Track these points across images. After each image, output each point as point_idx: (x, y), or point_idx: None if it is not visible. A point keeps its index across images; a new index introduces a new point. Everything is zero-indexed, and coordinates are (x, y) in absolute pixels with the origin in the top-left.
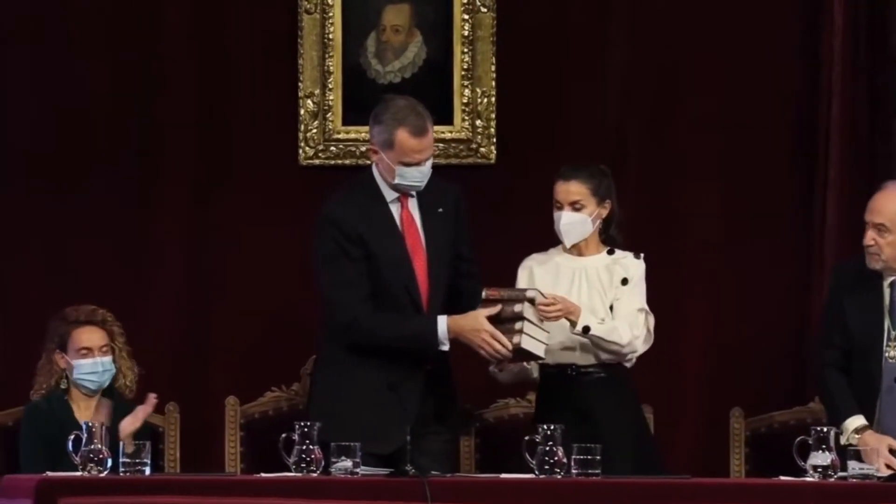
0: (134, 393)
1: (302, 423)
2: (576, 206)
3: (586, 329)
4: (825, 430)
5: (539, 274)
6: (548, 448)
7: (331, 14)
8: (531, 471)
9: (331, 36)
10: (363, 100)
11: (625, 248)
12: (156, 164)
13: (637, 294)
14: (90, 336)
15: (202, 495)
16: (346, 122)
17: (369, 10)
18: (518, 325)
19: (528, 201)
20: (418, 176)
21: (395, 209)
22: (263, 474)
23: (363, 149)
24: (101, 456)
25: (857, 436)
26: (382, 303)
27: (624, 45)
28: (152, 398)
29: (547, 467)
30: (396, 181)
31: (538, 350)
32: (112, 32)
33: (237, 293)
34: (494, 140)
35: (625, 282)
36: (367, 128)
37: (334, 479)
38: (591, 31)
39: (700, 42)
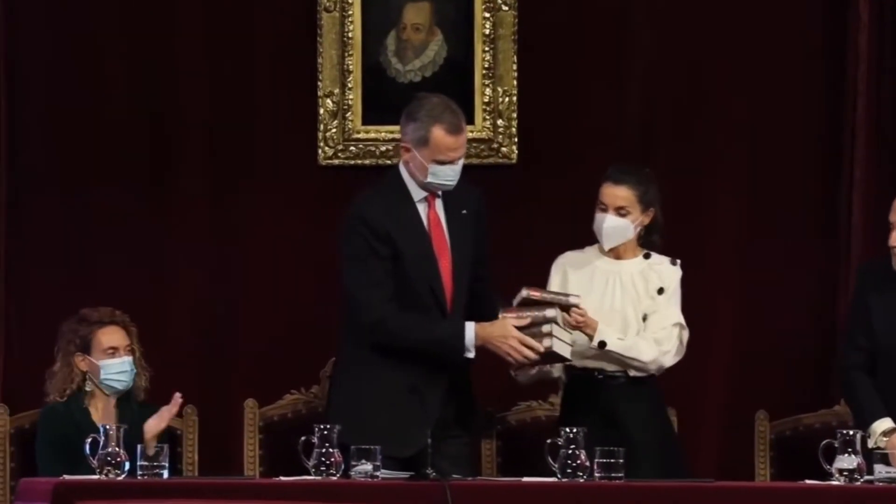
0: (148, 394)
1: (321, 426)
2: (621, 212)
3: (602, 344)
4: (851, 433)
5: (574, 278)
6: (570, 451)
7: (350, 12)
8: (553, 474)
9: (350, 34)
10: (383, 99)
11: (660, 251)
12: (174, 164)
13: (673, 306)
14: (116, 336)
15: (220, 499)
16: (365, 122)
17: (389, 9)
18: (546, 329)
19: (549, 201)
20: (451, 174)
21: (422, 209)
22: (282, 477)
23: (383, 148)
24: (118, 459)
25: (884, 439)
26: (407, 303)
27: (646, 43)
28: (178, 398)
29: (569, 471)
30: (429, 179)
31: (566, 352)
32: (129, 32)
33: (256, 295)
34: (516, 139)
35: (661, 291)
36: (387, 127)
37: (354, 482)
38: (613, 30)
39: (723, 40)
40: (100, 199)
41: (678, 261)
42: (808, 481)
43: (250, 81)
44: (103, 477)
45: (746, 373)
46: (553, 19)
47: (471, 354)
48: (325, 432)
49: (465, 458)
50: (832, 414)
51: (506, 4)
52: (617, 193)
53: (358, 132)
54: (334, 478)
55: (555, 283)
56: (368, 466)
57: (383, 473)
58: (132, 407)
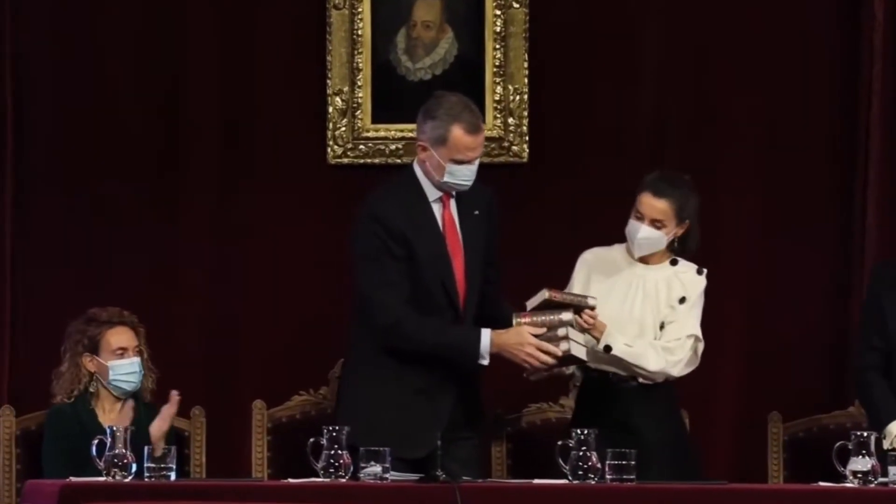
0: (154, 395)
1: (330, 428)
2: (656, 224)
3: (608, 349)
4: (866, 434)
5: (596, 279)
6: (581, 453)
7: (360, 9)
8: (564, 476)
9: (360, 32)
10: (393, 97)
11: (693, 257)
12: (181, 163)
13: (692, 317)
14: (124, 336)
15: (228, 501)
16: (375, 120)
17: (399, 6)
18: (562, 332)
19: (561, 201)
20: (468, 174)
21: (437, 209)
22: (291, 480)
23: (393, 147)
24: (125, 461)
25: None
26: (420, 303)
27: (659, 41)
28: (175, 396)
29: (580, 473)
30: (445, 179)
31: (581, 354)
32: (137, 30)
33: (264, 295)
34: (527, 138)
35: (682, 300)
36: (397, 126)
37: (363, 484)
38: (625, 27)
39: (736, 38)
40: (106, 198)
41: (704, 270)
42: (821, 483)
43: (258, 79)
44: (110, 479)
45: (759, 374)
46: (564, 17)
47: (485, 361)
48: (334, 434)
49: (475, 460)
50: (846, 415)
51: (517, 2)
52: (655, 206)
53: (367, 131)
54: (343, 480)
55: (578, 279)
56: (378, 468)
57: (393, 475)
58: (139, 408)
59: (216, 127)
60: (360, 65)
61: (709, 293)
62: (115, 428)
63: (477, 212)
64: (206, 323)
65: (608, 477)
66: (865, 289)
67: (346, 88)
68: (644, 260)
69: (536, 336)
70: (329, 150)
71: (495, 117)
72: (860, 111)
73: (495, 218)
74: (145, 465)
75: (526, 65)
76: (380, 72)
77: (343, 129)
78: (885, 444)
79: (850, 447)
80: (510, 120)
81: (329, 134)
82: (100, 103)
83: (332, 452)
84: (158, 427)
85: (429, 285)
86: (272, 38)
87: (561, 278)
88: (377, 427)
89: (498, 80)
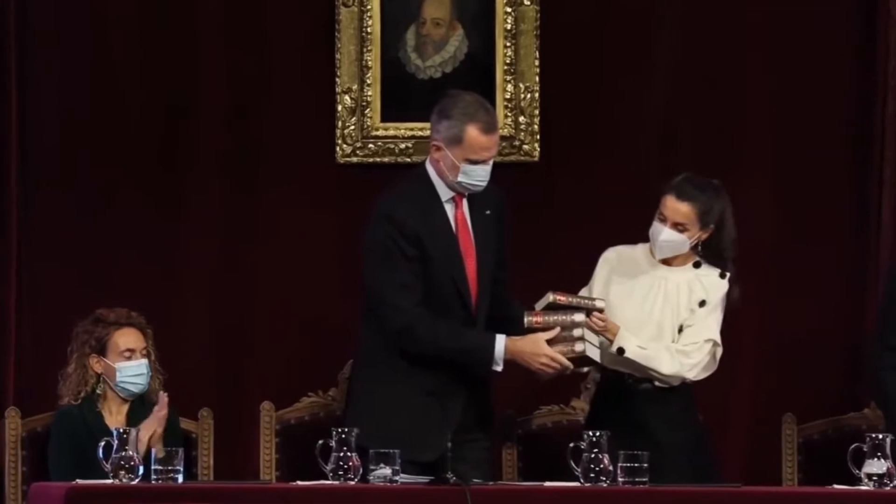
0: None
1: (339, 429)
2: (678, 227)
3: (620, 351)
4: (881, 436)
5: (617, 279)
6: (593, 455)
7: (369, 7)
8: (576, 479)
9: (369, 29)
10: (402, 95)
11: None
12: (189, 163)
13: (711, 322)
14: (132, 338)
15: None
16: (384, 119)
17: (409, 3)
18: (577, 333)
19: (572, 200)
20: (483, 174)
21: (449, 209)
22: (299, 482)
23: (402, 146)
24: (132, 463)
25: None
26: (432, 304)
27: (672, 38)
28: (164, 397)
29: (592, 475)
30: (460, 179)
31: (595, 355)
32: (145, 27)
33: (273, 295)
34: (538, 137)
35: (702, 304)
36: (406, 124)
37: (373, 487)
38: (637, 24)
39: (750, 36)
40: (113, 198)
41: (727, 274)
42: (836, 486)
43: (267, 77)
44: (117, 481)
45: (774, 375)
46: (576, 14)
47: (499, 368)
48: (343, 436)
49: (485, 463)
50: (861, 417)
51: None
52: (678, 209)
53: (377, 129)
54: (352, 482)
55: (600, 278)
56: (387, 471)
57: (402, 478)
58: (146, 410)
59: (224, 126)
60: (370, 63)
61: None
62: (122, 430)
63: (489, 211)
64: (214, 324)
65: (620, 479)
66: (881, 289)
67: (354, 87)
68: (667, 261)
69: (551, 337)
70: (338, 149)
71: (506, 116)
72: (875, 109)
73: (506, 218)
74: (152, 467)
75: (537, 63)
76: (389, 70)
77: (352, 127)
78: None
79: (865, 449)
80: (521, 119)
81: (338, 133)
82: (106, 102)
83: (342, 455)
84: (146, 431)
85: (441, 286)
86: (281, 36)
87: (572, 277)
88: (387, 429)
89: (508, 78)
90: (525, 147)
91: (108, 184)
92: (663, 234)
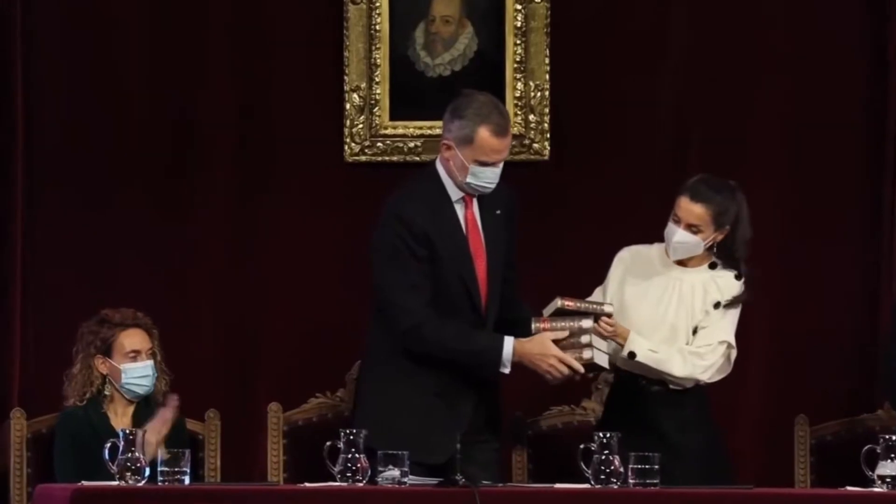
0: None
1: (347, 431)
2: (692, 229)
3: (632, 355)
4: (894, 438)
5: (631, 280)
6: (604, 457)
7: (378, 4)
8: (586, 481)
9: (378, 27)
10: (411, 94)
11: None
12: (195, 162)
13: (726, 324)
14: (138, 339)
15: None
16: (393, 117)
17: (418, 0)
18: (585, 339)
19: (583, 199)
20: (492, 177)
21: (459, 209)
22: (307, 484)
23: (411, 145)
24: (138, 465)
25: None
26: (441, 305)
27: (684, 36)
28: (174, 399)
29: (603, 477)
30: (468, 180)
31: (604, 361)
32: (150, 26)
33: (280, 295)
34: (548, 136)
35: (717, 305)
36: (415, 123)
37: (381, 488)
38: (649, 22)
39: (762, 33)
40: (119, 197)
41: (743, 276)
42: (849, 488)
43: (275, 75)
44: (123, 483)
45: (786, 376)
46: (586, 11)
47: (506, 370)
48: (352, 437)
49: (494, 464)
50: (875, 418)
51: None
52: (692, 210)
53: (385, 128)
54: (360, 484)
55: (614, 277)
56: (396, 472)
57: (411, 479)
58: (152, 411)
59: (232, 125)
60: (378, 60)
61: None
62: (128, 431)
63: (499, 211)
64: (221, 324)
65: (631, 481)
66: (894, 289)
67: (363, 85)
68: (682, 262)
69: (558, 342)
70: (346, 147)
71: (516, 114)
72: (889, 110)
73: (516, 218)
74: (159, 469)
75: (547, 60)
76: (398, 68)
77: (360, 126)
78: None
79: (878, 451)
80: (531, 117)
81: (346, 131)
82: (112, 101)
83: (350, 456)
84: (153, 433)
85: (450, 286)
86: (288, 34)
87: (582, 277)
88: (395, 431)
89: (519, 76)
90: (535, 145)
91: (113, 184)
92: (677, 236)
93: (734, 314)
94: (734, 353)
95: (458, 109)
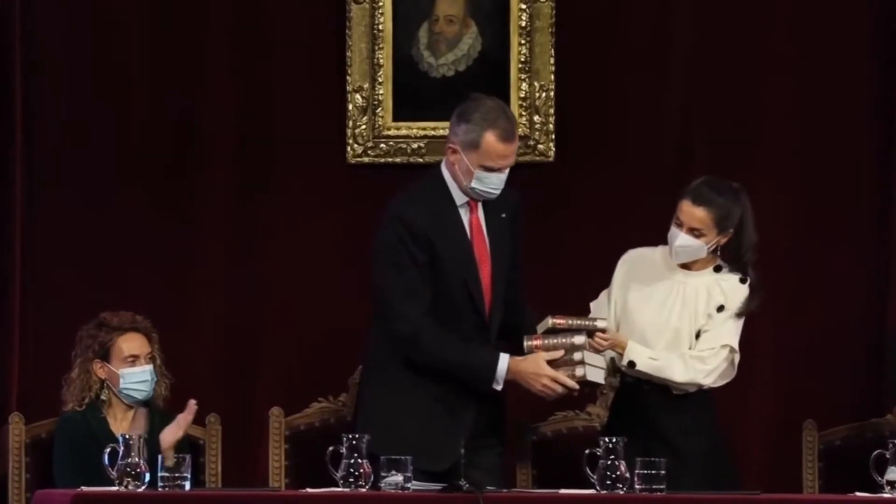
0: (167, 402)
1: (350, 436)
2: (695, 233)
3: (631, 364)
4: None
5: (634, 285)
6: (610, 462)
7: (381, 3)
8: (592, 486)
9: (381, 27)
10: (415, 94)
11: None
12: (197, 163)
13: (729, 327)
14: (136, 343)
15: None
16: (396, 118)
17: (421, 0)
18: (578, 357)
19: (588, 201)
20: (496, 183)
21: (464, 213)
22: (309, 489)
23: (415, 146)
24: (138, 470)
25: None
26: (444, 309)
27: (688, 36)
28: (192, 405)
29: (609, 482)
30: (473, 185)
31: (599, 377)
32: (152, 26)
33: (282, 298)
34: (553, 136)
35: (721, 309)
36: (419, 124)
37: (384, 494)
38: (654, 21)
39: (768, 32)
40: (119, 197)
41: (748, 279)
42: (858, 493)
43: (276, 75)
44: (123, 489)
45: (794, 380)
46: (592, 11)
47: (499, 387)
48: (354, 442)
49: (498, 470)
50: (884, 423)
51: None
52: (694, 214)
53: (388, 129)
54: (363, 490)
55: (616, 280)
56: (399, 478)
57: (414, 485)
58: (152, 416)
59: (232, 125)
60: (381, 60)
61: None
62: (127, 436)
63: (504, 214)
64: (223, 327)
65: (637, 487)
66: None
67: (366, 85)
68: (687, 265)
69: (553, 360)
70: (349, 149)
71: (520, 115)
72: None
73: (521, 220)
74: (159, 474)
75: (552, 61)
76: (401, 68)
77: (363, 127)
78: None
79: (887, 456)
80: (536, 118)
81: (349, 132)
82: (113, 101)
83: (352, 461)
84: (172, 434)
85: (453, 291)
86: (290, 33)
87: (587, 278)
88: (398, 436)
89: (523, 76)
90: (540, 147)
91: (114, 185)
92: (679, 240)
93: (739, 318)
94: (737, 358)
95: (464, 113)
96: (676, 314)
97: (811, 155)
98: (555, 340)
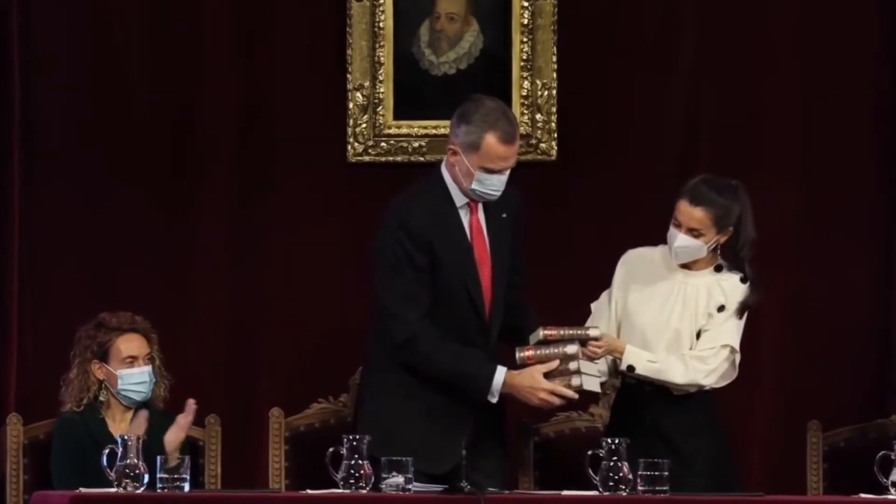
0: (167, 403)
1: (350, 437)
2: (694, 234)
3: (631, 368)
4: None
5: (634, 285)
6: (612, 463)
7: (381, 1)
8: (594, 488)
9: (381, 24)
10: (416, 93)
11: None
12: (198, 162)
13: (730, 327)
14: (135, 344)
15: None
16: (397, 117)
17: None
18: (573, 366)
19: (591, 200)
20: (497, 184)
21: (464, 215)
22: (309, 491)
23: (416, 144)
24: (137, 471)
25: None
26: (444, 311)
27: (692, 33)
28: (191, 404)
29: (611, 484)
30: (473, 187)
31: (595, 386)
32: (152, 24)
33: (282, 298)
34: (555, 135)
35: (721, 308)
36: (420, 122)
37: (385, 495)
38: (657, 19)
39: (772, 30)
40: (120, 198)
41: (749, 280)
42: (863, 495)
43: (277, 74)
44: (121, 490)
45: (798, 381)
46: (594, 9)
47: (494, 399)
48: (355, 443)
49: (500, 471)
50: (889, 424)
51: None
52: (692, 214)
53: (389, 127)
54: (364, 491)
55: (617, 281)
56: (400, 479)
57: (415, 487)
58: (151, 417)
59: (233, 125)
60: (382, 59)
61: None
62: (126, 437)
63: (505, 214)
64: (223, 327)
65: (640, 488)
66: None
67: (366, 83)
68: (686, 265)
69: (548, 371)
70: (349, 147)
71: (522, 113)
72: None
73: (522, 220)
74: (158, 475)
75: (554, 59)
76: (402, 66)
77: (364, 125)
78: None
79: (892, 457)
80: (538, 116)
81: (349, 131)
82: (113, 100)
83: (353, 462)
84: (175, 436)
85: (454, 293)
86: (290, 31)
87: (589, 278)
88: (398, 439)
89: (525, 74)
90: (542, 145)
91: (114, 184)
92: (678, 241)
93: (740, 318)
94: (738, 358)
95: (465, 114)
96: (677, 314)
97: (815, 155)
98: (547, 351)
